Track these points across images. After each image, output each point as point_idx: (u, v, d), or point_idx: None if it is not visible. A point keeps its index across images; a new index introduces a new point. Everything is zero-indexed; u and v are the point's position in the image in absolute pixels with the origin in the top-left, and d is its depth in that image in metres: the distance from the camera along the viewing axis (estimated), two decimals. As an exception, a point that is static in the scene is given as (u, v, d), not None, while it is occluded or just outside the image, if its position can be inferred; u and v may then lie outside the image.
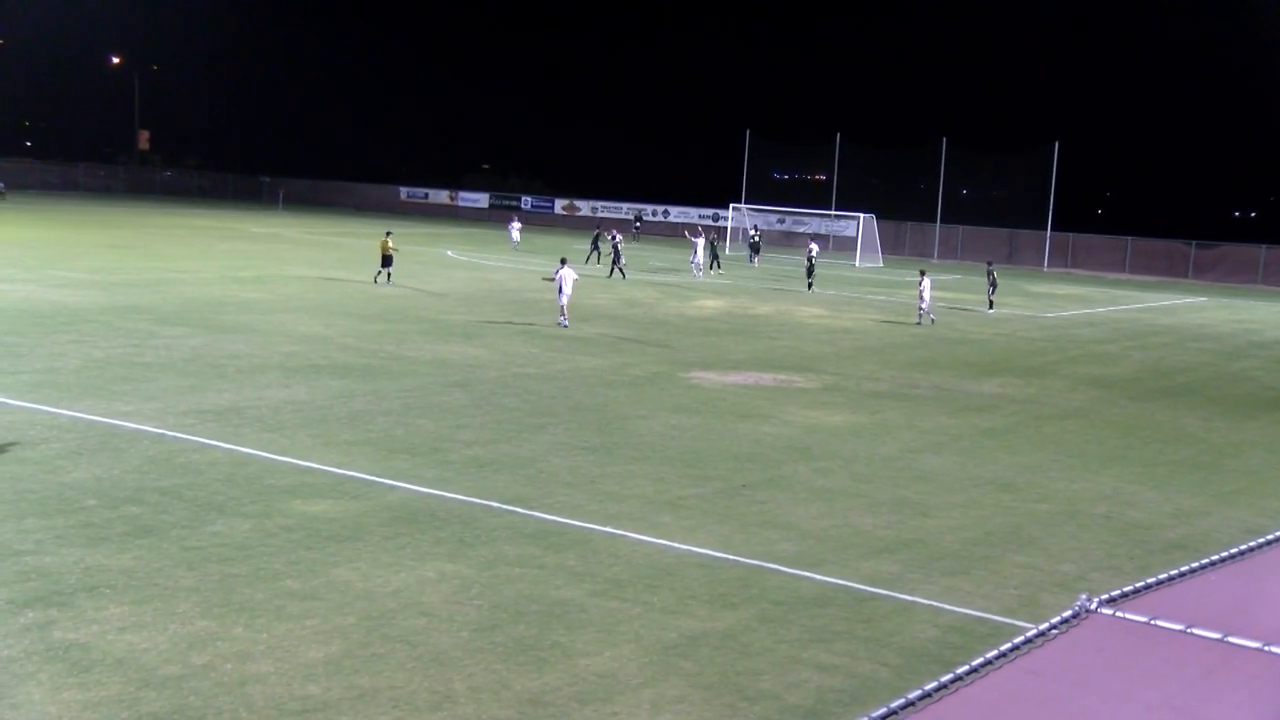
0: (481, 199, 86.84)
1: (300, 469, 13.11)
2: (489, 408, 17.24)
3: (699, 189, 76.72)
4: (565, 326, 26.82)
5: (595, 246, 47.20)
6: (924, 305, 32.36)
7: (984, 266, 37.86)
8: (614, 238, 43.54)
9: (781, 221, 67.77)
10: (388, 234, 35.78)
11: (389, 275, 34.39)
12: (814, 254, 43.25)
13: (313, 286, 33.19)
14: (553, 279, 28.15)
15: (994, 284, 36.81)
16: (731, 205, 65.33)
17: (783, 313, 34.13)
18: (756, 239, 54.30)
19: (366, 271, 38.71)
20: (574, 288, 27.77)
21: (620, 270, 41.12)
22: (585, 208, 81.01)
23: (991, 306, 36.67)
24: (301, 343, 22.51)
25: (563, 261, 28.62)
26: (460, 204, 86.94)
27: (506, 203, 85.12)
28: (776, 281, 43.76)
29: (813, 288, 40.98)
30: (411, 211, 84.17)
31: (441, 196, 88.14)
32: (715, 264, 46.46)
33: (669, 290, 38.80)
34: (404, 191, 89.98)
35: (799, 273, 46.39)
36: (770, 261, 50.55)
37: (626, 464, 14.29)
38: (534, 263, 44.13)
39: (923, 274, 33.52)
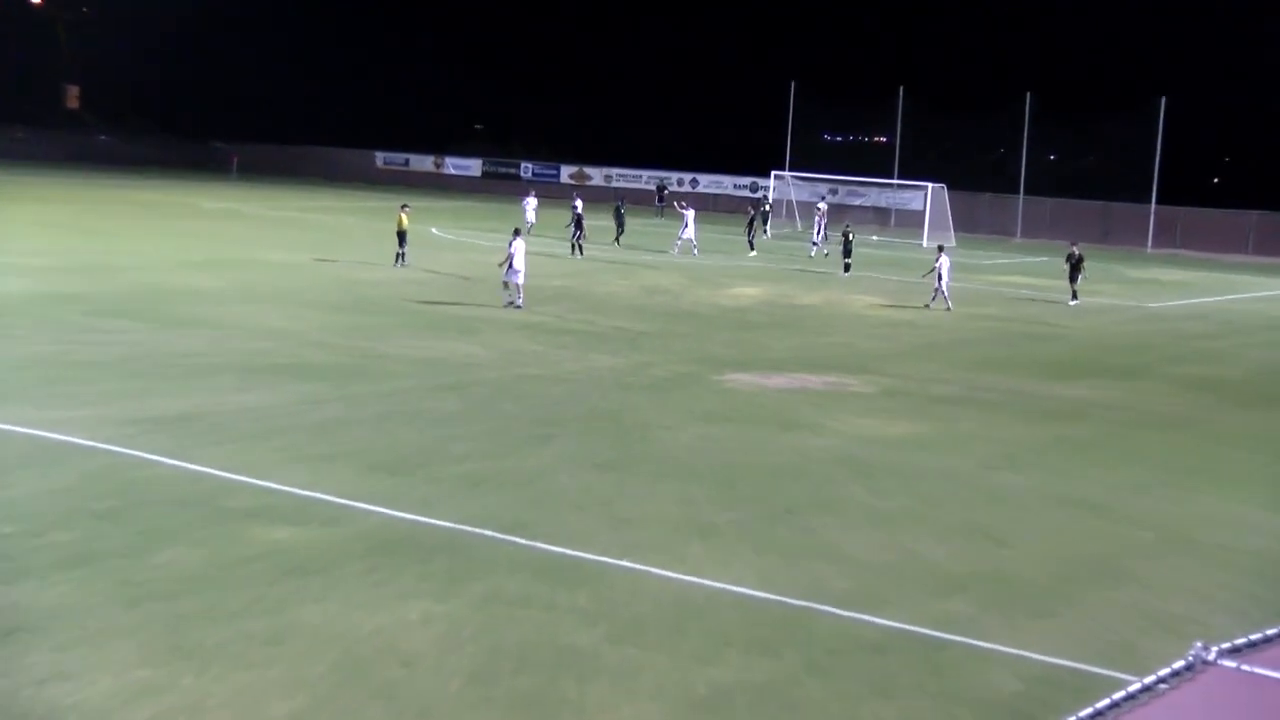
0: (473, 166, 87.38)
1: (261, 489, 13.24)
2: (485, 416, 17.47)
3: (734, 154, 76.90)
4: (519, 307, 27.82)
5: (619, 221, 47.30)
6: (942, 287, 32.94)
7: (1070, 249, 37.42)
8: (574, 204, 44.48)
9: (834, 193, 67.64)
10: (403, 207, 36.28)
11: (403, 256, 35.20)
12: (847, 228, 43.28)
13: (276, 272, 33.52)
14: (505, 264, 28.86)
15: (1077, 268, 36.20)
16: (773, 173, 65.52)
17: (833, 302, 34.35)
18: (822, 218, 55.11)
19: (340, 253, 39.12)
20: (527, 263, 28.77)
21: (579, 246, 41.65)
22: (597, 175, 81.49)
23: (1075, 297, 36.31)
24: (264, 338, 22.78)
25: (515, 233, 29.24)
26: (448, 172, 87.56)
27: (503, 170, 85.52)
28: (830, 267, 43.76)
29: (850, 270, 41.15)
30: (390, 181, 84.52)
31: (425, 163, 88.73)
32: (751, 244, 47.65)
33: (698, 275, 39.20)
34: (380, 157, 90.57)
35: (868, 258, 46.90)
36: (836, 243, 50.66)
37: (648, 483, 14.39)
38: (546, 245, 44.02)
39: (941, 250, 34.07)
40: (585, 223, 42.71)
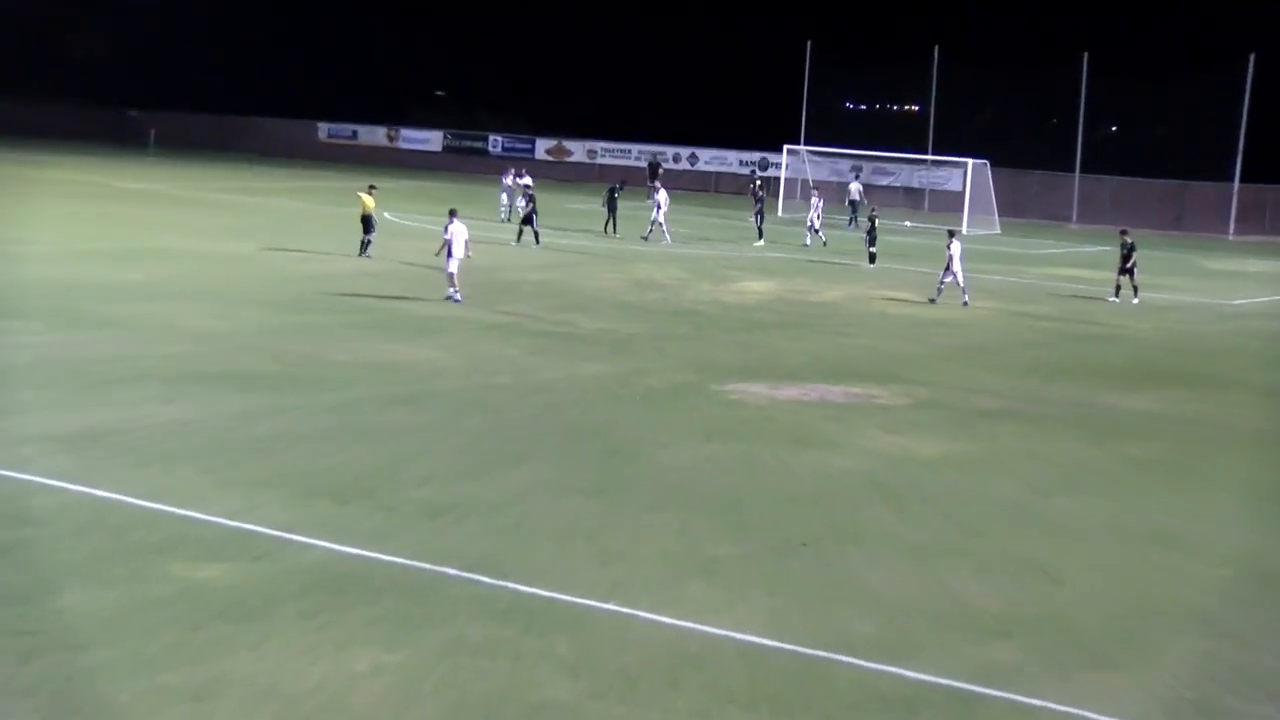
0: (432, 139, 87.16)
1: (184, 519, 13.16)
2: (448, 432, 17.48)
3: (740, 126, 76.52)
4: (457, 301, 28.38)
5: (611, 206, 47.34)
6: (952, 278, 33.16)
7: (1122, 236, 36.88)
8: (522, 181, 46.01)
9: (858, 171, 67.69)
10: (370, 189, 36.82)
11: (367, 244, 35.87)
12: (873, 212, 43.47)
13: (206, 264, 33.62)
14: (442, 250, 29.41)
15: (1128, 259, 35.39)
16: (786, 147, 65.54)
17: (855, 299, 34.35)
18: (859, 197, 55.30)
19: (279, 241, 39.05)
20: (467, 249, 29.22)
21: (534, 232, 41.37)
22: (578, 150, 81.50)
23: (1135, 294, 35.72)
24: (190, 342, 22.81)
25: (451, 214, 29.75)
26: (403, 146, 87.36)
27: (468, 143, 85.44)
28: (848, 257, 43.78)
29: (876, 260, 41.30)
30: (334, 157, 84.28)
31: (376, 135, 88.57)
32: (760, 232, 48.22)
33: (699, 267, 39.30)
34: (323, 129, 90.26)
35: (898, 247, 46.91)
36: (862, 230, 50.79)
37: (640, 511, 14.41)
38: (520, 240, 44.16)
39: (951, 235, 34.27)
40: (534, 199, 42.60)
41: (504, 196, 50.50)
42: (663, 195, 46.58)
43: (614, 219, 47.20)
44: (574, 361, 23.08)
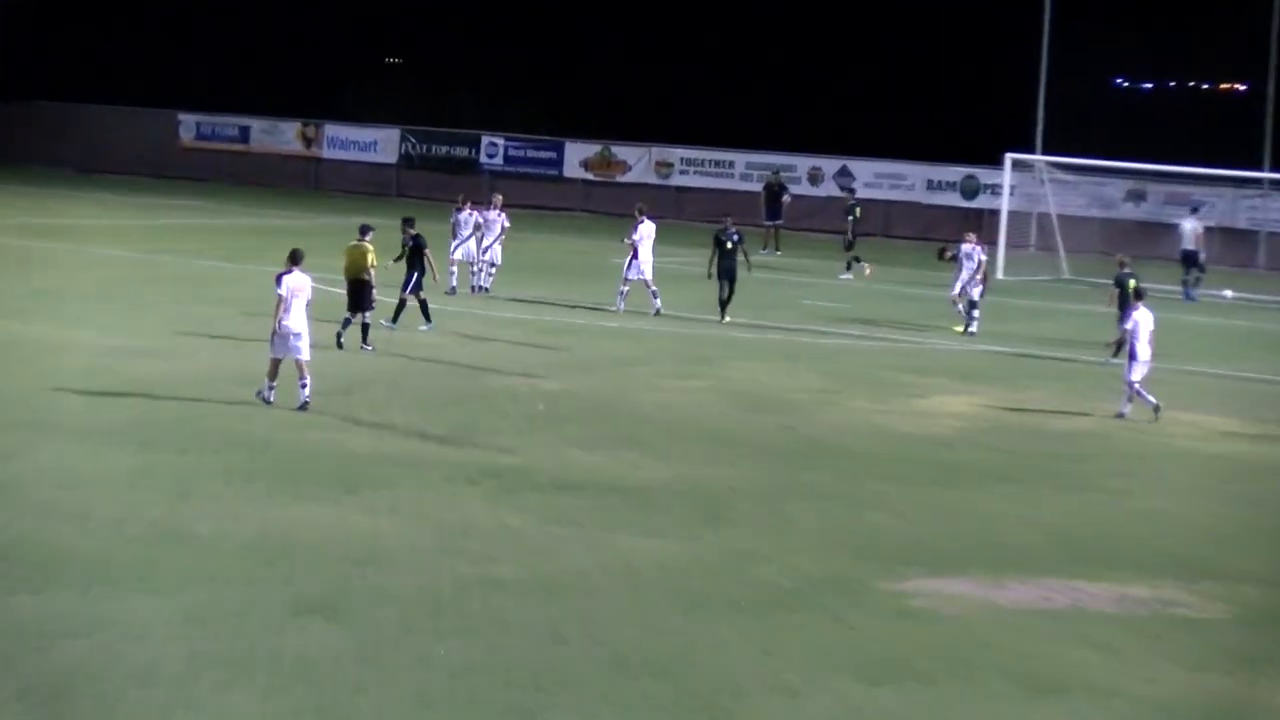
0: (381, 142, 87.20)
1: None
2: (398, 673, 17.35)
3: (925, 126, 76.41)
4: (269, 401, 29.93)
5: (723, 267, 46.09)
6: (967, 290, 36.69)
7: None
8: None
9: (1195, 207, 64.87)
10: (363, 233, 38.04)
11: (364, 327, 36.99)
12: (1127, 271, 42.35)
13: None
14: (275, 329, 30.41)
15: None
16: (1008, 156, 65.29)
17: (1129, 426, 33.68)
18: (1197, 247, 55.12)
19: (101, 317, 39.24)
20: (309, 317, 30.39)
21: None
22: (639, 162, 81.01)
23: None
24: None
25: (293, 261, 30.94)
26: (328, 154, 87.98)
27: (444, 150, 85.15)
28: (1084, 350, 42.57)
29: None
30: (205, 169, 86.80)
31: (283, 136, 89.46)
32: (849, 265, 49.67)
33: (851, 367, 39.64)
34: (190, 125, 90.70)
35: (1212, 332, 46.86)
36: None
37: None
38: (512, 313, 44.49)
39: (969, 240, 37.85)
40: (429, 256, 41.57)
41: (460, 250, 49.09)
42: (648, 228, 47.48)
43: (730, 286, 45.59)
44: (623, 535, 23.01)
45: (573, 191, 79.48)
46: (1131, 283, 38.19)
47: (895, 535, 23.88)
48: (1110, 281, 41.46)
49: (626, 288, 46.23)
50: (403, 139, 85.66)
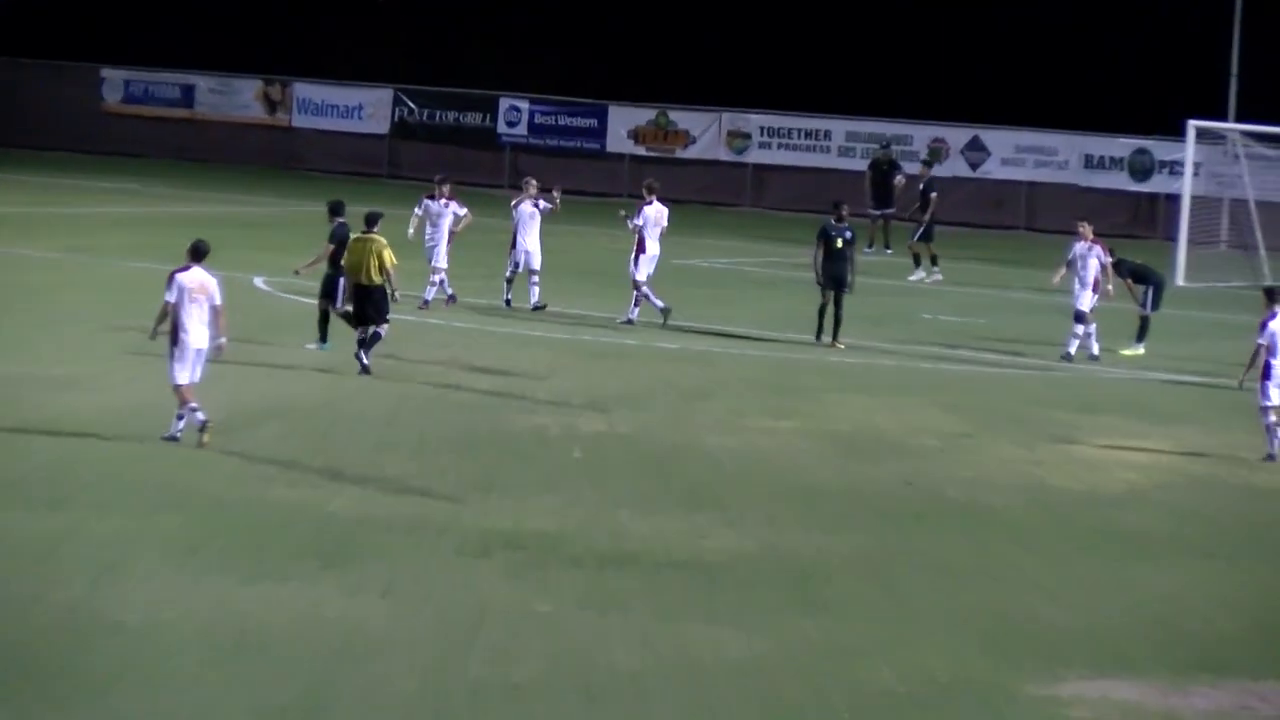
0: (370, 106, 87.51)
1: None
2: None
3: (1082, 86, 76.13)
4: (176, 439, 30.47)
5: (831, 272, 46.01)
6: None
7: None
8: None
9: None
10: (370, 224, 39.69)
11: (363, 343, 38.28)
12: None
13: None
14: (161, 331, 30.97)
15: None
16: (1191, 124, 65.99)
17: None
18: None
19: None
20: (215, 334, 30.91)
21: (340, 317, 43.02)
22: (706, 132, 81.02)
23: None
24: None
25: (194, 255, 31.38)
26: (299, 123, 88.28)
27: (452, 118, 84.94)
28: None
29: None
30: (137, 141, 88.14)
31: (239, 99, 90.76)
32: (916, 260, 52.33)
33: (988, 403, 40.34)
34: (116, 84, 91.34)
35: None
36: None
37: None
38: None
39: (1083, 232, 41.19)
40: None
41: (435, 251, 50.46)
42: (656, 209, 49.10)
43: (838, 297, 45.97)
44: (685, 625, 22.60)
45: (618, 171, 79.66)
46: None
47: (1048, 623, 23.43)
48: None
49: (645, 289, 46.85)
50: (397, 102, 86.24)
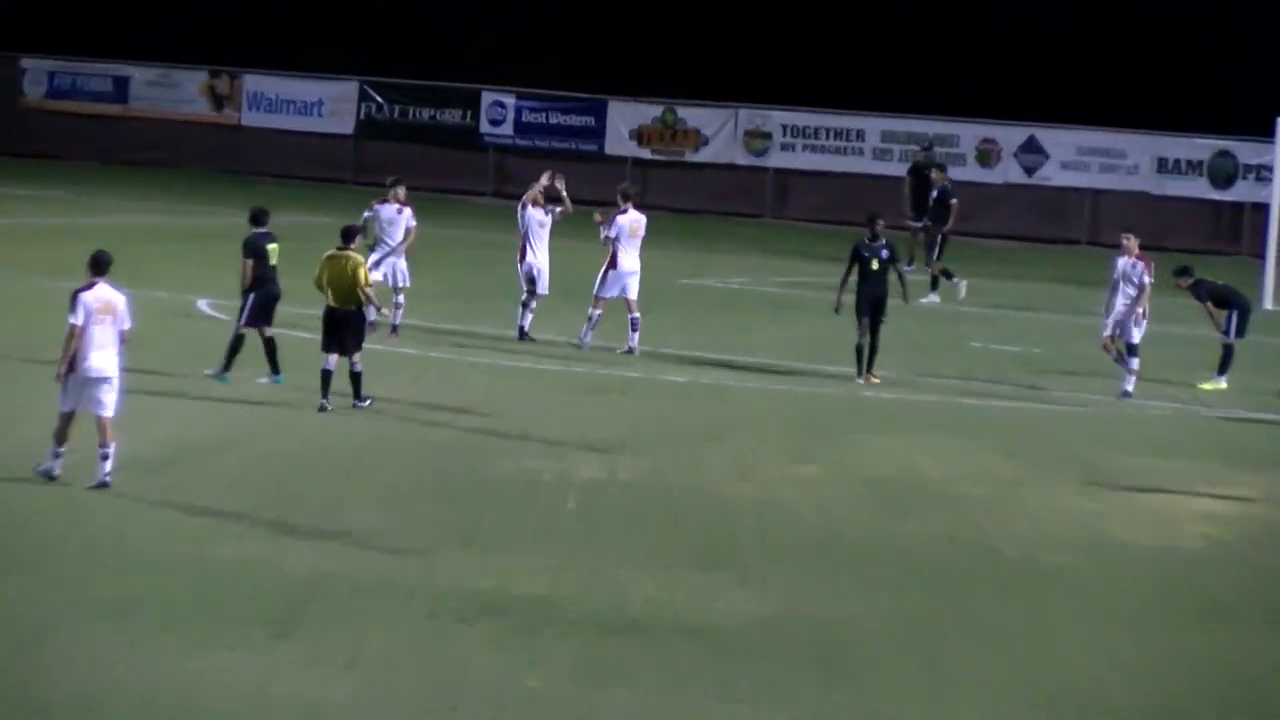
0: (330, 99, 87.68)
1: None
2: None
3: (1155, 79, 76.61)
4: (52, 475, 30.94)
5: (867, 299, 46.14)
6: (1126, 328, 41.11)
7: None
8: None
9: None
10: (346, 241, 40.23)
11: (355, 376, 39.22)
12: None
13: None
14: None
15: None
16: None
17: None
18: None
19: None
20: (120, 353, 31.16)
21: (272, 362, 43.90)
22: (721, 132, 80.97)
23: None
24: None
25: (96, 268, 31.32)
26: (250, 121, 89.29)
27: (428, 115, 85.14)
28: None
29: None
30: (62, 141, 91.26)
31: (181, 93, 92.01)
32: (933, 281, 59.49)
33: (1046, 438, 41.07)
34: (38, 75, 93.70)
35: None
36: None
37: None
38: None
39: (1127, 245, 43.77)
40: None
41: (386, 270, 50.42)
42: (631, 220, 49.34)
43: (875, 326, 45.99)
44: (698, 700, 22.74)
45: (619, 176, 79.03)
46: None
47: (1113, 699, 23.46)
48: None
49: (599, 311, 47.37)
50: (363, 97, 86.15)
